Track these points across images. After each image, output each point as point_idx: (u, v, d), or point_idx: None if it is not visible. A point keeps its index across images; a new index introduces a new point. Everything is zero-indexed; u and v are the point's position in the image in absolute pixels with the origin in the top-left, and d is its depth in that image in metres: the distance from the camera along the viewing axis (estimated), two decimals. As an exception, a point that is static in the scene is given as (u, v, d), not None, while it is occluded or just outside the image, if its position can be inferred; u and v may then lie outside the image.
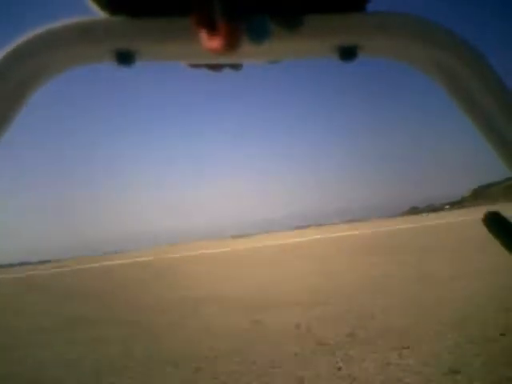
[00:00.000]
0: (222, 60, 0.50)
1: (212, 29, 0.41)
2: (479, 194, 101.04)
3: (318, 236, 23.90)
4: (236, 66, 0.55)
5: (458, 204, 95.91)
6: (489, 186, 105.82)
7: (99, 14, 0.46)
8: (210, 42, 0.41)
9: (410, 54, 0.50)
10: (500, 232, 0.49)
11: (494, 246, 0.56)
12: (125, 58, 0.46)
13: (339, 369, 2.70)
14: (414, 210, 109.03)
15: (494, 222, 0.49)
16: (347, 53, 0.47)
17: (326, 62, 0.52)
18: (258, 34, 0.41)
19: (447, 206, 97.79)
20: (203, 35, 0.42)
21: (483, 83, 0.47)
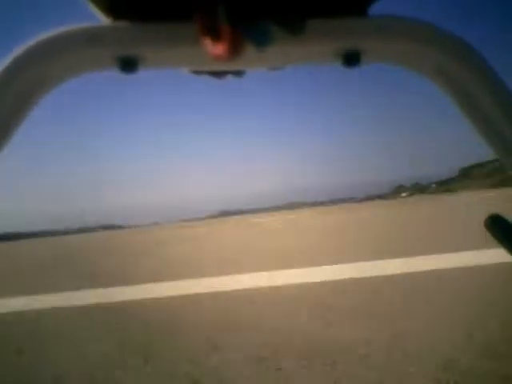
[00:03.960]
0: (225, 66, 0.50)
1: (215, 35, 0.42)
2: (465, 175, 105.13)
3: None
4: (238, 73, 0.55)
5: (444, 184, 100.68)
6: (474, 166, 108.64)
7: (103, 20, 0.47)
8: (214, 48, 0.42)
9: (412, 58, 0.49)
10: (501, 235, 0.48)
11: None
12: (128, 64, 0.46)
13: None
14: (400, 189, 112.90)
15: (495, 224, 0.49)
16: (350, 58, 0.47)
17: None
18: (261, 40, 0.41)
19: (433, 185, 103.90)
20: (207, 41, 0.43)
21: (486, 87, 0.47)
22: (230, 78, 0.55)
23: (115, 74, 0.48)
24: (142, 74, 0.49)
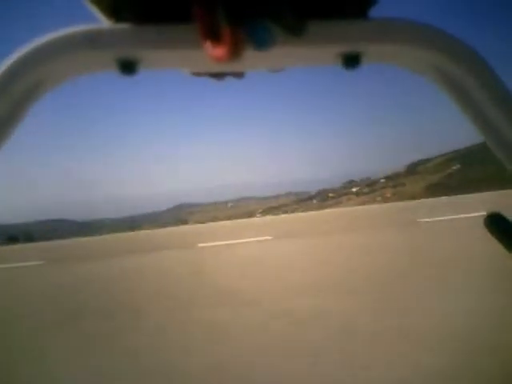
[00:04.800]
0: (225, 68, 0.49)
1: (216, 37, 0.41)
2: (411, 170, 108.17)
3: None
4: (238, 74, 0.54)
5: (392, 179, 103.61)
6: (421, 162, 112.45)
7: (104, 22, 0.46)
8: (214, 50, 0.42)
9: (412, 59, 0.50)
10: (500, 232, 0.48)
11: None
12: (128, 66, 0.45)
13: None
14: (351, 184, 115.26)
15: (494, 222, 0.48)
16: (351, 60, 0.47)
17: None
18: (262, 41, 0.41)
19: (383, 180, 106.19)
20: (207, 43, 0.42)
21: (485, 87, 0.47)
22: (229, 78, 0.55)
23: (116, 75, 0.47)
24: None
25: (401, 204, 14.91)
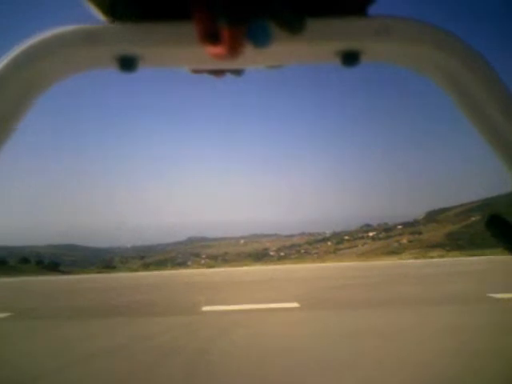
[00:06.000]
0: (224, 65, 0.50)
1: (215, 34, 0.41)
2: (431, 218, 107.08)
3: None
4: (237, 72, 0.55)
5: (410, 226, 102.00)
6: (440, 210, 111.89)
7: (102, 19, 0.46)
8: (213, 48, 0.42)
9: (411, 58, 0.50)
10: (501, 234, 0.48)
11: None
12: (127, 63, 0.45)
13: None
14: (367, 228, 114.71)
15: (495, 224, 0.49)
16: (350, 58, 0.47)
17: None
18: (260, 39, 0.41)
19: (400, 226, 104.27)
20: (206, 41, 0.42)
21: (485, 86, 0.47)
22: (228, 76, 0.55)
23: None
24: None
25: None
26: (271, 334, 4.86)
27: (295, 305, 6.29)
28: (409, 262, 14.53)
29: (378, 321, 5.22)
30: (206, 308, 6.32)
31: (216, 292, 7.96)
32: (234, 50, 0.40)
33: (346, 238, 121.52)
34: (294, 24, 0.42)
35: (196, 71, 0.53)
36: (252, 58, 0.47)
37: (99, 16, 0.46)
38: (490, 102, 0.47)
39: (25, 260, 52.71)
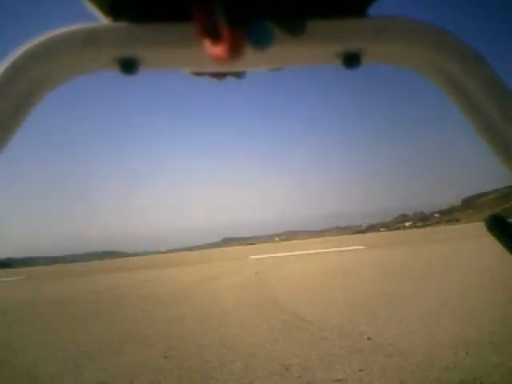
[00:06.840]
0: (225, 67, 0.50)
1: (215, 36, 0.41)
2: (468, 204, 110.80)
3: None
4: (239, 74, 0.55)
5: (447, 213, 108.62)
6: (477, 196, 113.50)
7: (102, 20, 0.46)
8: (214, 50, 0.42)
9: (412, 59, 0.50)
10: (502, 235, 0.48)
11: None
12: (128, 65, 0.45)
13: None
14: (403, 218, 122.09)
15: (496, 224, 0.49)
16: (351, 59, 0.47)
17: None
18: (261, 40, 0.41)
19: (437, 215, 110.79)
20: (207, 43, 0.42)
21: (485, 86, 0.47)
22: (230, 79, 0.55)
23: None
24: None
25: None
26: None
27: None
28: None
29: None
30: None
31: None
32: (234, 51, 0.40)
33: (382, 229, 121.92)
34: (294, 25, 0.43)
35: (197, 74, 0.54)
36: (252, 60, 0.47)
37: (100, 17, 0.46)
38: (488, 102, 0.47)
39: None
